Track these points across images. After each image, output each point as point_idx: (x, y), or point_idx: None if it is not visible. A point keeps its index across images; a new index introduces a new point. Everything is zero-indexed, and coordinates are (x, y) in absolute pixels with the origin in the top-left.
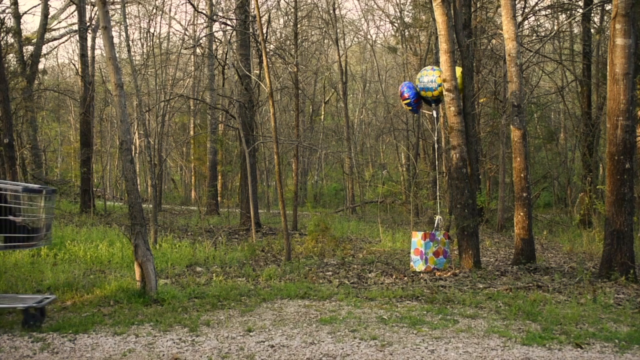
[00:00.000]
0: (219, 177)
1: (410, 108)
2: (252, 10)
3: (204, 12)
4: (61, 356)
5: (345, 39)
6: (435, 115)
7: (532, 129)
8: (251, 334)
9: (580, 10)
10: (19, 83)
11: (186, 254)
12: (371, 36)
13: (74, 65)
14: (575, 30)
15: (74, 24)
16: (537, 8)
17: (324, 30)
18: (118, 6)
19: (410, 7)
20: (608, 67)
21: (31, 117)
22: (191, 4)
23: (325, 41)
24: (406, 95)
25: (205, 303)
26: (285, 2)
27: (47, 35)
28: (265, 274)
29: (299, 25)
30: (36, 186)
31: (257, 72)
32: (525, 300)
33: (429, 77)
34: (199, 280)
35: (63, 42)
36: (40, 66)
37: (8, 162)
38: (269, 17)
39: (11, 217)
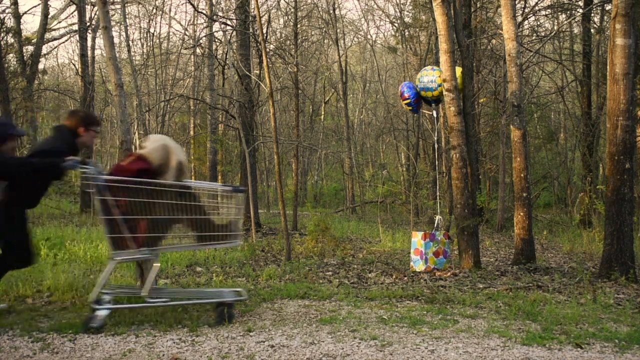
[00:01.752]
0: (219, 177)
1: (410, 108)
2: (252, 10)
3: (204, 12)
4: (61, 356)
5: (345, 39)
6: (435, 115)
7: (532, 129)
8: (251, 334)
9: (580, 10)
10: (19, 83)
11: (186, 254)
12: (371, 36)
13: (74, 65)
14: (575, 30)
15: (74, 24)
16: (537, 8)
17: (324, 30)
18: (118, 6)
19: (410, 7)
20: (608, 67)
21: (31, 117)
22: (191, 4)
23: (325, 41)
24: (406, 95)
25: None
26: (285, 2)
27: (47, 35)
28: (265, 274)
29: (299, 25)
30: (231, 186)
31: (257, 72)
32: (525, 300)
33: (429, 77)
34: (199, 280)
35: (63, 42)
36: (40, 66)
37: None
38: (269, 17)
39: (211, 217)
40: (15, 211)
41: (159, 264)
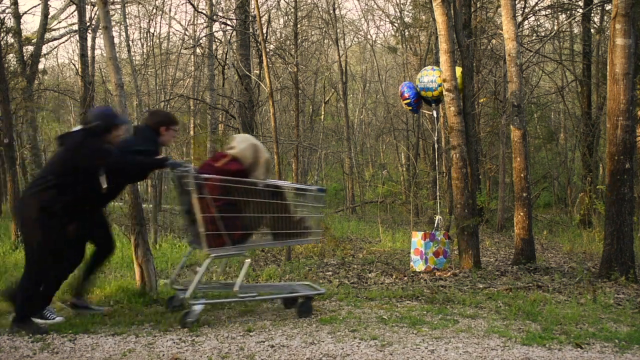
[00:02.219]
0: None
1: (410, 108)
2: (252, 10)
3: (204, 12)
4: (61, 356)
5: (345, 39)
6: (435, 115)
7: (532, 129)
8: (251, 334)
9: (580, 10)
10: (19, 83)
11: (186, 254)
12: (371, 36)
13: (74, 65)
14: (575, 30)
15: (74, 24)
16: (537, 8)
17: (324, 30)
18: (118, 6)
19: (410, 7)
20: (608, 67)
21: (31, 117)
22: (191, 4)
23: (325, 41)
24: (406, 95)
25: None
26: (285, 2)
27: (47, 35)
28: (265, 274)
29: (299, 25)
30: (315, 187)
31: (257, 72)
32: (525, 300)
33: (429, 77)
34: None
35: (63, 42)
36: (40, 66)
37: (8, 162)
38: (269, 17)
39: (297, 215)
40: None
41: (250, 260)
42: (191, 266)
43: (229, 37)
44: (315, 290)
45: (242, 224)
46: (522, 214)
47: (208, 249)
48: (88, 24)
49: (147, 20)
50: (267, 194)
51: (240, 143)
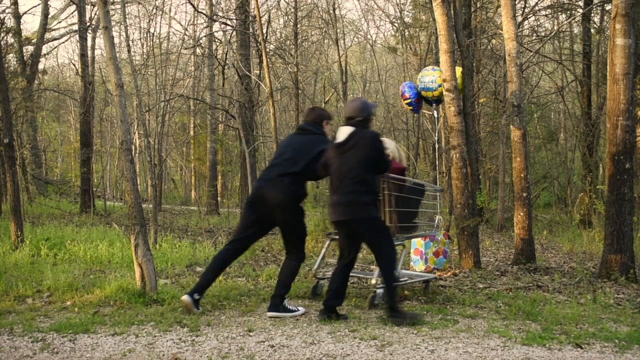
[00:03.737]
0: (219, 177)
1: (411, 108)
2: (252, 10)
3: (204, 12)
4: (61, 356)
5: (345, 39)
6: (435, 115)
7: (532, 129)
8: (251, 334)
9: (580, 10)
10: (19, 83)
11: (186, 254)
12: (371, 36)
13: (74, 65)
14: (575, 30)
15: (74, 24)
16: (537, 8)
17: (324, 30)
18: (118, 6)
19: (410, 7)
20: (608, 67)
21: (31, 117)
22: (191, 4)
23: (325, 41)
24: (407, 95)
25: (205, 303)
26: (285, 2)
27: (47, 35)
28: (265, 274)
29: (299, 25)
30: (440, 188)
31: (257, 72)
32: (525, 300)
33: (430, 77)
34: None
35: (63, 42)
36: (40, 66)
37: (8, 162)
38: (269, 17)
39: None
40: (301, 206)
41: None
42: (190, 266)
43: (229, 37)
44: (433, 276)
45: (407, 217)
46: (522, 214)
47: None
48: (88, 24)
49: (147, 20)
50: (419, 192)
51: (389, 145)
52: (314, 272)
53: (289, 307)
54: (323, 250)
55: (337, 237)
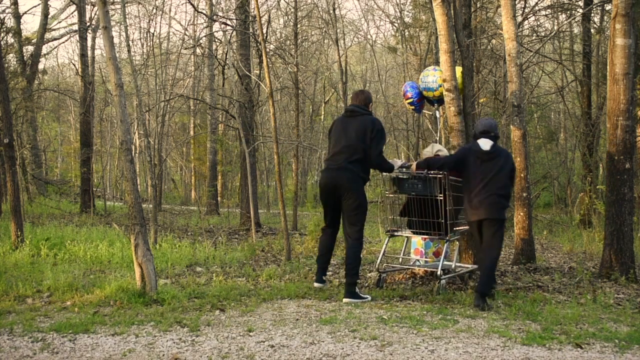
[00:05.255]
0: (219, 177)
1: (413, 107)
2: (252, 10)
3: (204, 12)
4: (61, 356)
5: (345, 39)
6: (437, 115)
7: (532, 129)
8: (251, 334)
9: (580, 10)
10: (19, 83)
11: (186, 254)
12: (371, 36)
13: (74, 65)
14: (575, 30)
15: (74, 24)
16: (537, 8)
17: (324, 30)
18: (118, 6)
19: (410, 7)
20: (608, 67)
21: (31, 117)
22: (191, 4)
23: (325, 41)
24: (409, 95)
25: (206, 303)
26: (285, 2)
27: (47, 35)
28: (265, 274)
29: (299, 25)
30: None
31: (257, 72)
32: (525, 300)
33: (431, 77)
34: (199, 280)
35: (63, 42)
36: (40, 66)
37: (8, 162)
38: (269, 17)
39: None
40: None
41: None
42: (190, 266)
43: (229, 37)
44: (473, 266)
45: (457, 214)
46: (522, 214)
47: (446, 236)
48: (88, 24)
49: (147, 20)
50: (461, 190)
51: (441, 147)
52: (376, 267)
53: (361, 294)
54: (384, 247)
55: (396, 234)
